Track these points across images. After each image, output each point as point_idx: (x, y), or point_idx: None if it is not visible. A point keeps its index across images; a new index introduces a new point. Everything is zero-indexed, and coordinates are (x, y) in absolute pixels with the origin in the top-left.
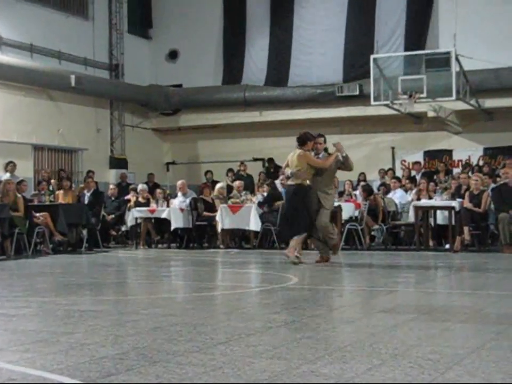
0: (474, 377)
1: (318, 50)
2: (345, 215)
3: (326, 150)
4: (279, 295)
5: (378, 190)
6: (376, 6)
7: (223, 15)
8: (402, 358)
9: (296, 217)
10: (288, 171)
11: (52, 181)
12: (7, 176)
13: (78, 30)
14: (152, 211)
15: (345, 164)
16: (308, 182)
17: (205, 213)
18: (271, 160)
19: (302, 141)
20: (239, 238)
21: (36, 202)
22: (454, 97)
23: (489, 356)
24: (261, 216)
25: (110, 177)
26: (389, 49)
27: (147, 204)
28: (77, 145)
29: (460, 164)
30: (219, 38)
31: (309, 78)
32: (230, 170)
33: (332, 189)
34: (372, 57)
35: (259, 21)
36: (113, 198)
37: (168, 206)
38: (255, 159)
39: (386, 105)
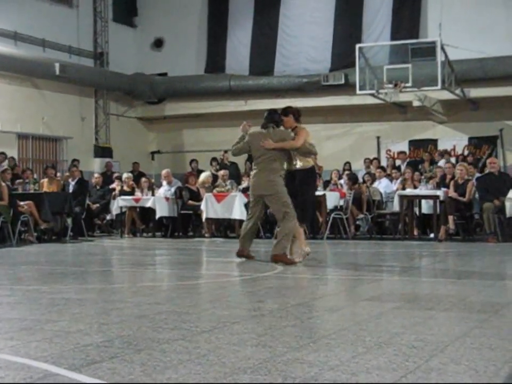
0: (458, 365)
1: (306, 40)
2: (330, 204)
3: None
4: (263, 284)
5: (364, 179)
6: None
7: (208, 3)
8: (386, 346)
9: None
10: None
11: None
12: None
13: (62, 18)
14: (137, 200)
15: None
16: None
17: (190, 202)
18: None
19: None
20: (224, 227)
21: (20, 191)
22: (439, 86)
23: (473, 343)
24: (246, 205)
25: (95, 166)
26: (376, 38)
27: (132, 192)
28: (61, 134)
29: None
30: (204, 27)
31: (296, 68)
32: (214, 159)
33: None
34: (357, 46)
35: (244, 10)
36: (98, 187)
37: (153, 195)
38: None
39: (372, 95)
